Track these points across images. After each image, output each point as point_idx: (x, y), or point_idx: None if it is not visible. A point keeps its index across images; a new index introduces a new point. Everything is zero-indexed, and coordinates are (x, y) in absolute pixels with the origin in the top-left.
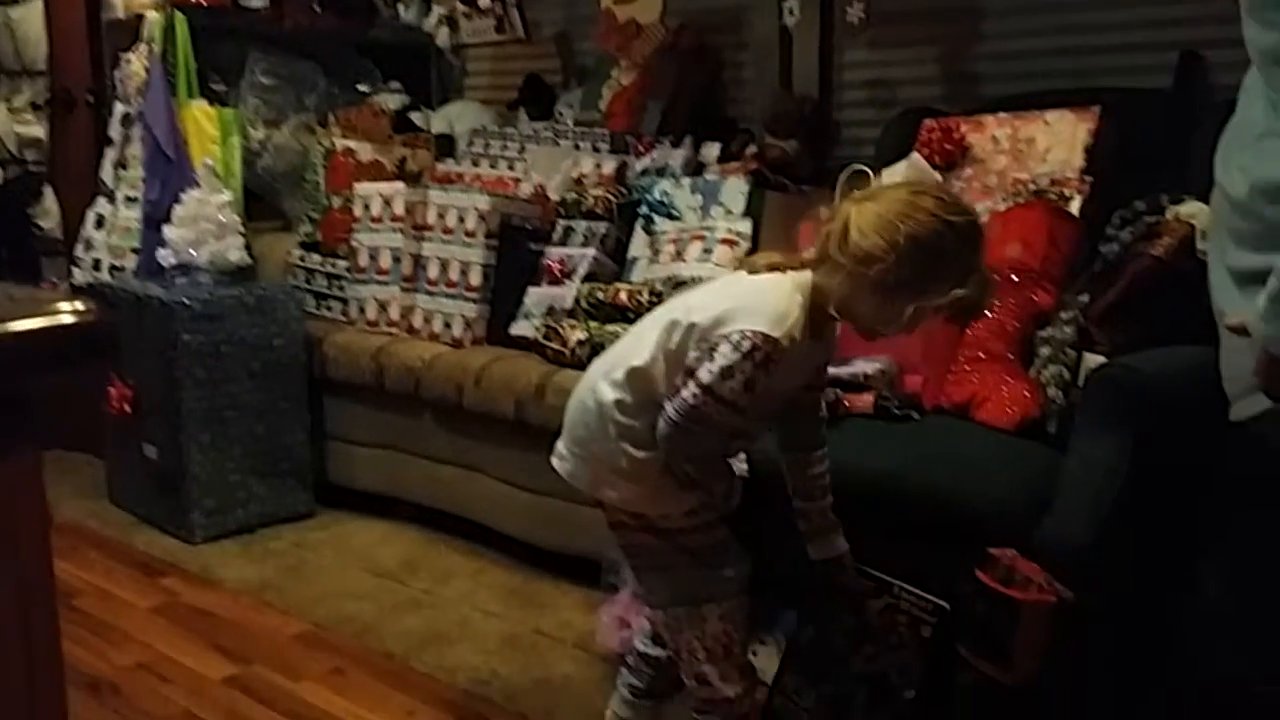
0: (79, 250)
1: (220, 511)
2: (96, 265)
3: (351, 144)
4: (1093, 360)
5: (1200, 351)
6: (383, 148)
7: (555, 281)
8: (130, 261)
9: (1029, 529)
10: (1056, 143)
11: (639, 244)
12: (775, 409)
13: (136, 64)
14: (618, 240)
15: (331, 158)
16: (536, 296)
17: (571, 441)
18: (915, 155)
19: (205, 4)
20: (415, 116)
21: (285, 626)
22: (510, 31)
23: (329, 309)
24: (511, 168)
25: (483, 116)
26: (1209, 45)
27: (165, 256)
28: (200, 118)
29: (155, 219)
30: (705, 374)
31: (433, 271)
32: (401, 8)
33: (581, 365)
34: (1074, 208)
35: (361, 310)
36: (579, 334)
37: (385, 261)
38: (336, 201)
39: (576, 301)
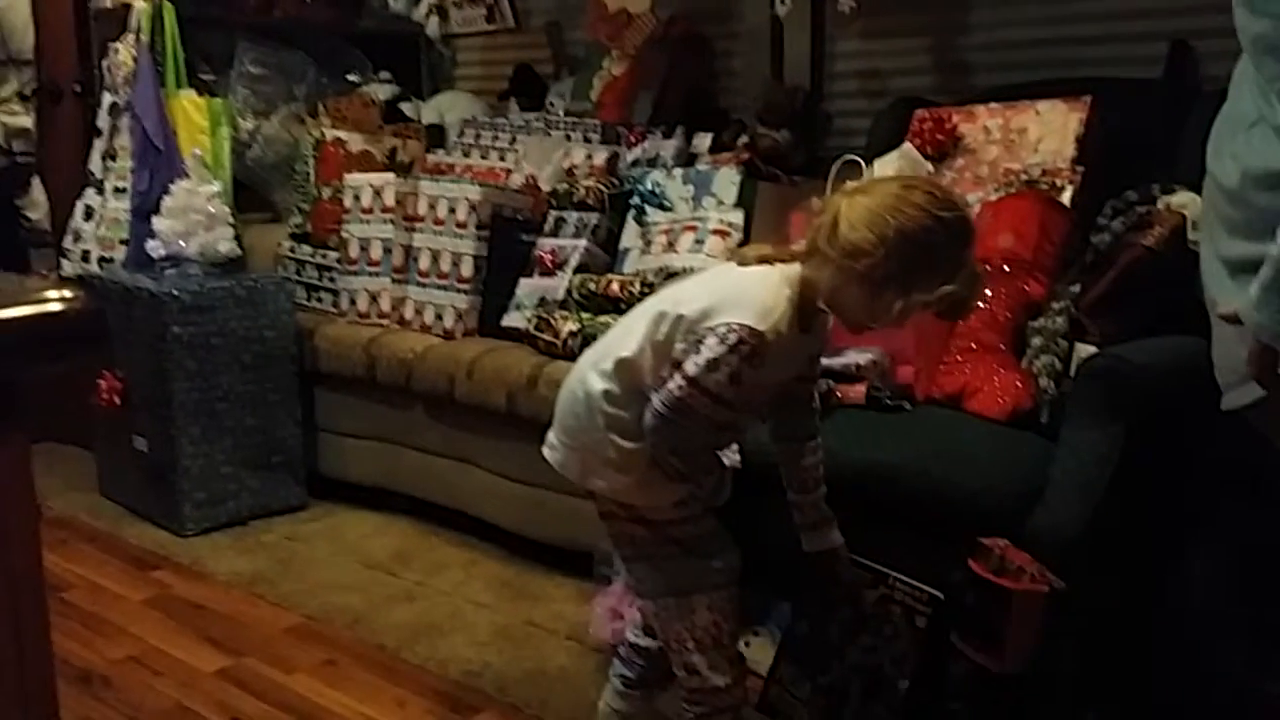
0: (68, 242)
1: (211, 504)
2: (85, 257)
3: (341, 134)
4: (1084, 350)
5: (1192, 341)
6: (373, 138)
7: (547, 273)
8: (119, 253)
9: (1021, 519)
10: (1048, 133)
11: (631, 235)
12: (766, 401)
13: (124, 54)
14: (609, 231)
15: (321, 148)
16: (528, 288)
17: (561, 431)
18: (907, 145)
19: None
20: (405, 107)
21: (277, 619)
22: (500, 21)
23: (320, 301)
24: (502, 158)
25: (473, 107)
26: (1199, 35)
27: (154, 248)
28: (189, 108)
29: (144, 210)
30: (691, 366)
31: (424, 263)
32: None
33: (573, 356)
34: (1066, 198)
35: (352, 302)
36: (571, 325)
37: (376, 253)
38: (326, 192)
39: (568, 293)
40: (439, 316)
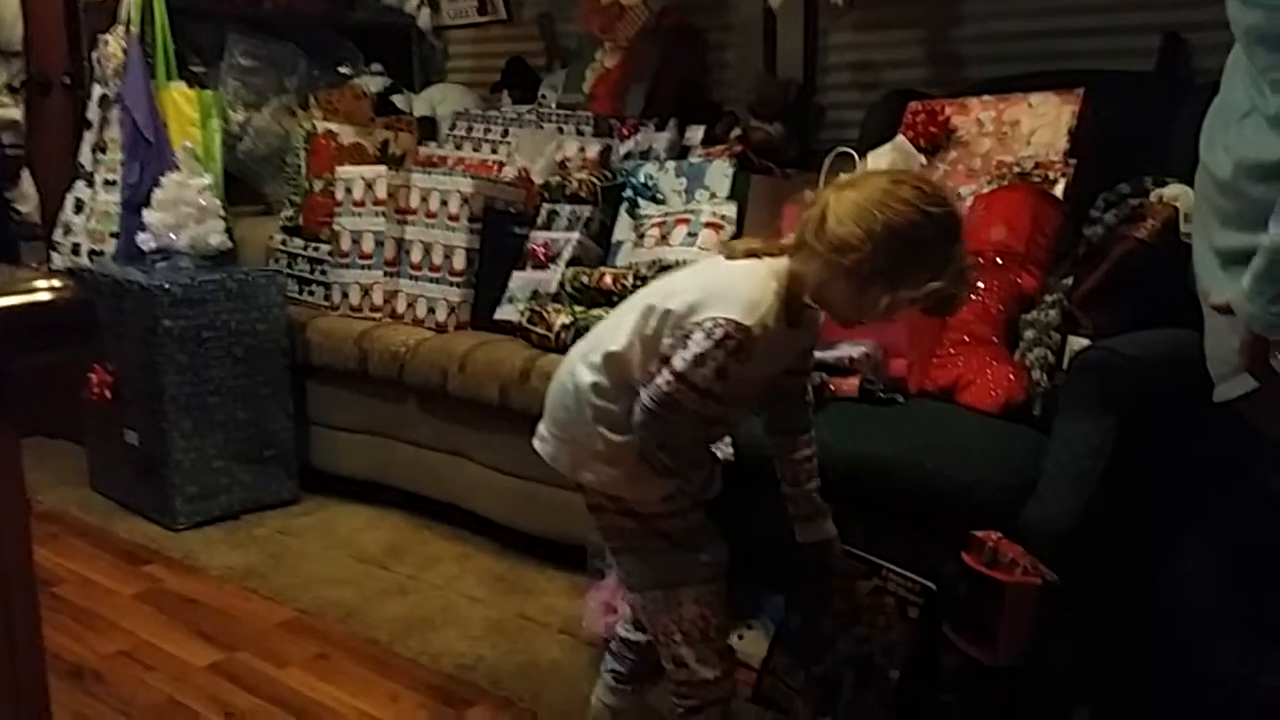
0: (58, 235)
1: (203, 498)
2: (75, 250)
3: (333, 127)
4: (1077, 343)
5: (1184, 334)
6: (364, 131)
7: (539, 265)
8: (110, 246)
9: (1013, 511)
10: (1041, 125)
11: (623, 227)
12: (757, 395)
13: (114, 45)
14: (602, 224)
15: (313, 141)
16: (521, 281)
17: (551, 424)
18: (900, 138)
19: None
20: (397, 99)
21: (269, 613)
22: (492, 13)
23: (311, 294)
24: (495, 151)
25: (465, 99)
26: (1191, 28)
27: (145, 241)
28: (179, 100)
29: (135, 203)
30: (679, 361)
31: (416, 256)
32: None
33: (566, 350)
34: (1058, 190)
35: (344, 295)
36: (563, 318)
37: (368, 246)
38: (318, 185)
39: (561, 285)
40: (431, 310)
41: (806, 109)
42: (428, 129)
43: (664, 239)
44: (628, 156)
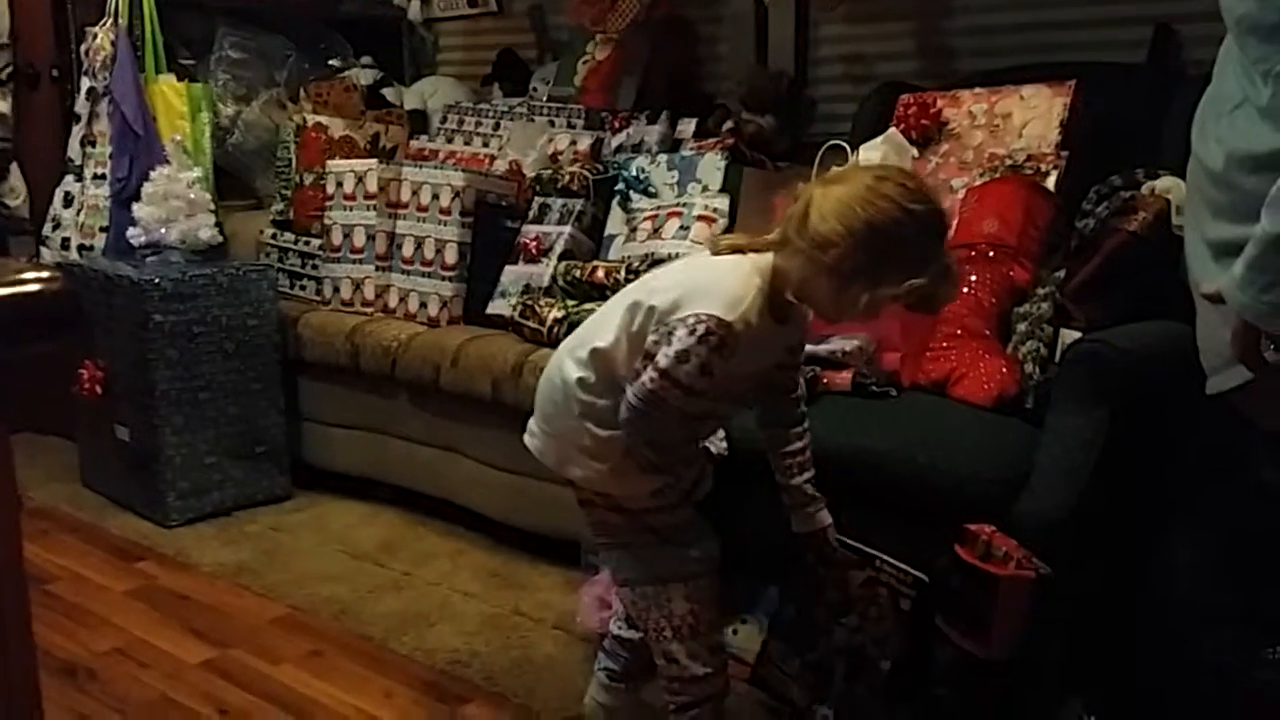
0: (47, 229)
1: (195, 494)
2: (65, 244)
3: (323, 120)
4: (1069, 336)
5: (1176, 326)
6: (355, 124)
7: (531, 259)
8: (99, 240)
9: (1006, 504)
10: (1033, 117)
11: (616, 221)
12: (747, 390)
13: (103, 38)
14: (594, 217)
15: (303, 134)
16: (513, 275)
17: (540, 419)
18: (892, 131)
19: None
20: (388, 92)
21: (263, 609)
22: (483, 5)
23: (303, 288)
24: (486, 144)
25: (456, 92)
26: (1183, 19)
27: (135, 235)
28: (169, 93)
29: (124, 197)
30: (662, 358)
31: (407, 250)
32: None
33: (558, 344)
34: (1050, 183)
35: (336, 290)
36: (556, 312)
37: (359, 240)
38: (308, 179)
39: (553, 279)
40: (423, 304)
41: (798, 102)
42: (418, 122)
43: (656, 232)
44: (619, 149)
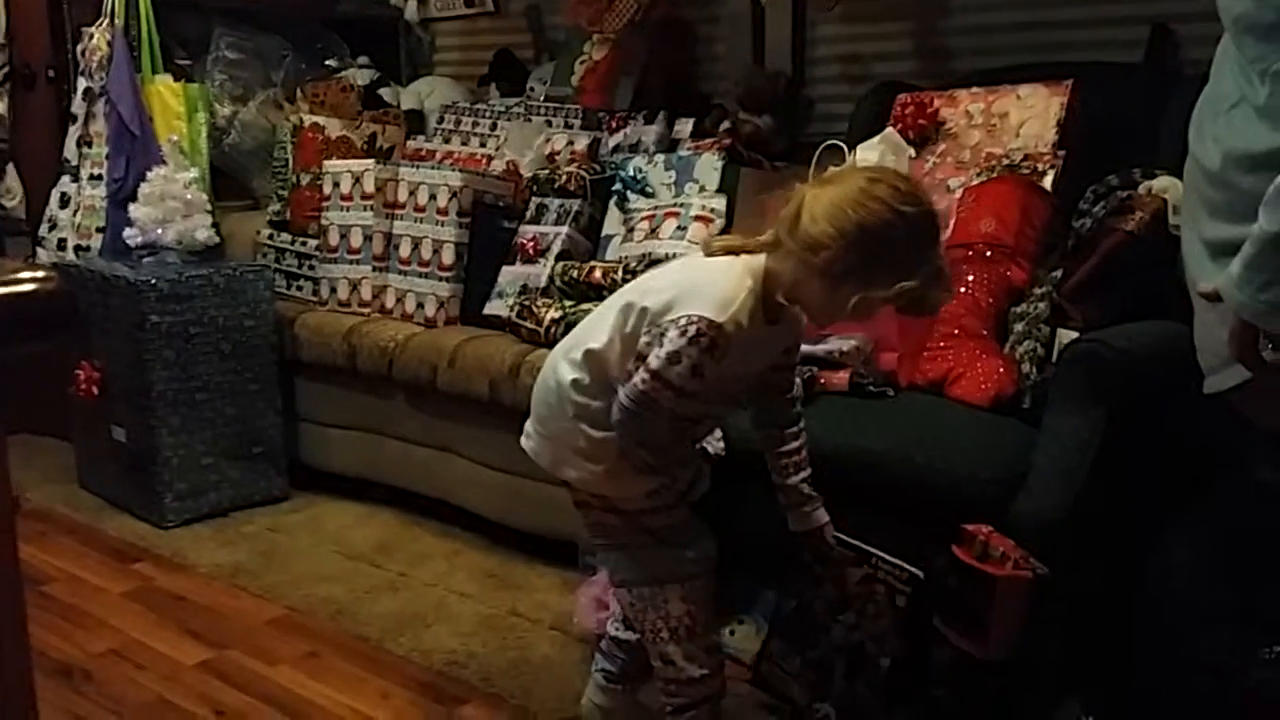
0: (43, 230)
1: (192, 495)
2: (61, 245)
3: (320, 120)
4: (1066, 336)
5: (1172, 326)
6: (352, 124)
7: (529, 260)
8: (96, 241)
9: (1003, 505)
10: (1030, 117)
11: (613, 221)
12: (741, 391)
13: (99, 38)
14: (591, 218)
15: (299, 134)
16: (510, 275)
17: (535, 420)
18: (889, 130)
19: None
20: (384, 92)
21: (259, 611)
22: (480, 5)
23: (300, 289)
24: (483, 144)
25: (453, 92)
26: (1180, 19)
27: (132, 236)
28: (165, 93)
29: (121, 197)
30: (654, 359)
31: (405, 250)
32: None
33: (555, 344)
34: (1047, 182)
35: (333, 290)
36: (553, 313)
37: (356, 240)
38: (305, 179)
39: (550, 280)
40: (420, 305)
41: (795, 101)
42: (415, 122)
43: (653, 232)
44: (616, 150)
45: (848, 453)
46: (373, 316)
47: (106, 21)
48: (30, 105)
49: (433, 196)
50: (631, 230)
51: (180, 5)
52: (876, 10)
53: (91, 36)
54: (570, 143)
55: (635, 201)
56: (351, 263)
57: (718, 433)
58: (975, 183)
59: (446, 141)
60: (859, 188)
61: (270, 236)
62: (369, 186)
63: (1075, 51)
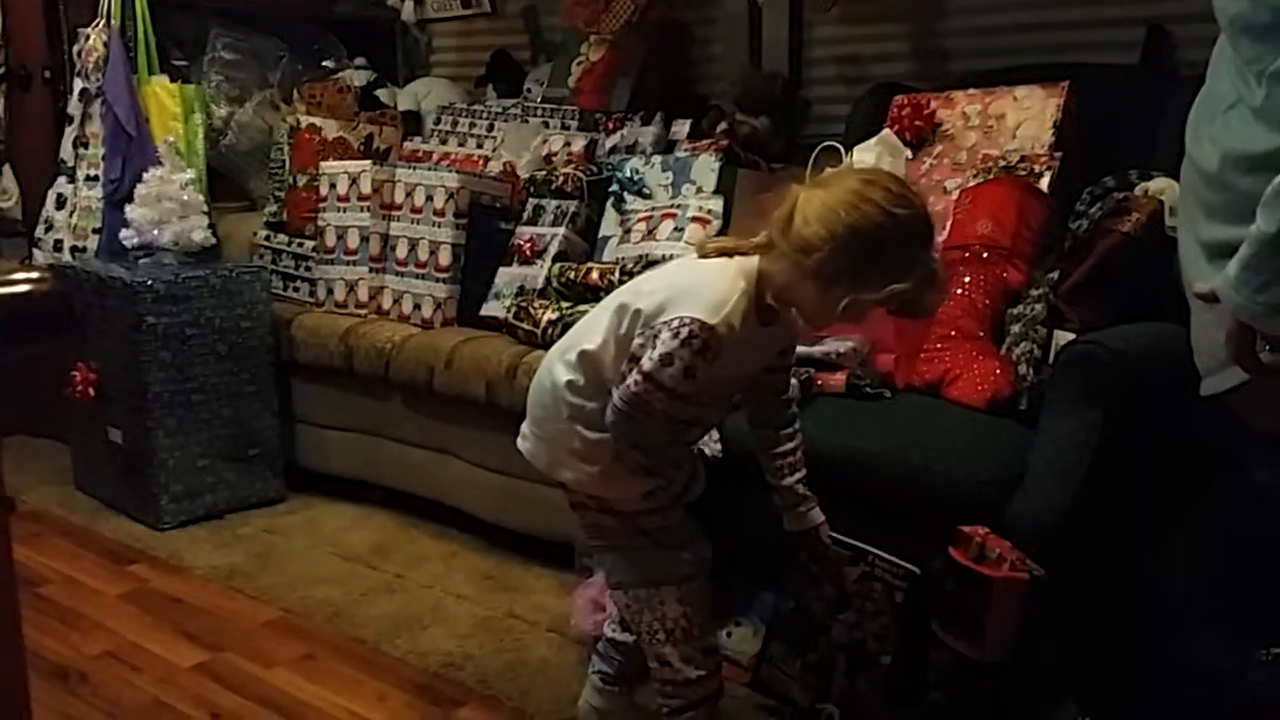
0: (40, 231)
1: (188, 497)
2: (58, 246)
3: (316, 121)
4: (1063, 337)
5: (1169, 327)
6: (348, 125)
7: (526, 261)
8: (92, 242)
9: (1000, 506)
10: (1026, 118)
11: (610, 222)
12: (736, 393)
13: (95, 39)
14: (588, 219)
15: (296, 135)
16: (507, 276)
17: (531, 421)
18: (886, 132)
19: None
20: (381, 93)
21: (255, 613)
22: (476, 6)
23: (296, 290)
24: (480, 146)
25: (450, 93)
26: (1176, 20)
27: (128, 237)
28: (162, 94)
29: (117, 198)
30: (647, 361)
31: (401, 251)
32: None
33: (552, 346)
34: (1044, 184)
35: (329, 291)
36: (550, 314)
37: (353, 242)
38: (302, 180)
39: (547, 281)
40: (417, 306)
41: (792, 103)
42: (412, 123)
43: (650, 234)
44: (613, 151)
45: (844, 454)
46: (369, 318)
47: (103, 22)
48: (26, 106)
49: (429, 197)
50: (628, 231)
51: (177, 6)
52: (873, 12)
53: (88, 37)
54: (567, 144)
55: (632, 203)
56: (348, 264)
57: (715, 434)
58: (972, 184)
59: (443, 142)
60: (851, 189)
61: (267, 238)
62: (366, 187)
63: (1071, 53)
